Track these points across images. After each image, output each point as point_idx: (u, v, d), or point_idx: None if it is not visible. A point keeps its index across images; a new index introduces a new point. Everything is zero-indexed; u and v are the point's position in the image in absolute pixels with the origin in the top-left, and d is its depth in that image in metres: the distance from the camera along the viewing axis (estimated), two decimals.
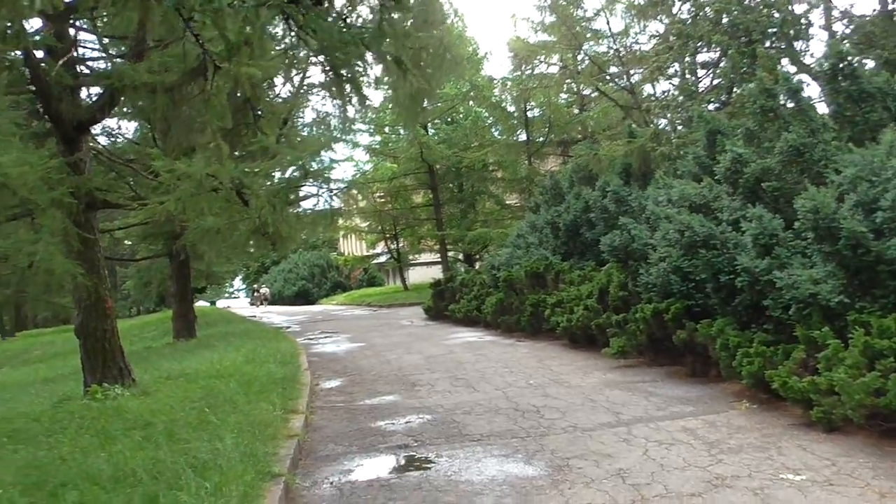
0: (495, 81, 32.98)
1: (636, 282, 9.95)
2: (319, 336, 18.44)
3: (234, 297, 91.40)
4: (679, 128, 18.08)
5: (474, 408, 7.65)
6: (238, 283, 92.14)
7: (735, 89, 17.70)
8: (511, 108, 33.45)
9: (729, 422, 6.36)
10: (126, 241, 21.07)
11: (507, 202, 36.43)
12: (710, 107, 17.91)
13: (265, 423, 6.28)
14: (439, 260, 47.26)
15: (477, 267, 36.91)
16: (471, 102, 35.59)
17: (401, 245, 39.69)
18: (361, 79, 5.69)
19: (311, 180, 23.81)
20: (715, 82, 19.72)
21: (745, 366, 6.96)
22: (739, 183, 8.99)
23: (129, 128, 16.11)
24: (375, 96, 33.21)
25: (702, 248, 8.00)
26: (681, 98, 18.22)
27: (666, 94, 21.47)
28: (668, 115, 18.12)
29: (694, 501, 4.50)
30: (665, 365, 9.38)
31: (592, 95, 34.31)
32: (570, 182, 19.59)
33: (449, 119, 36.22)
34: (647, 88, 24.65)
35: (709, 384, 8.05)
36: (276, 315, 33.67)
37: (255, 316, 33.85)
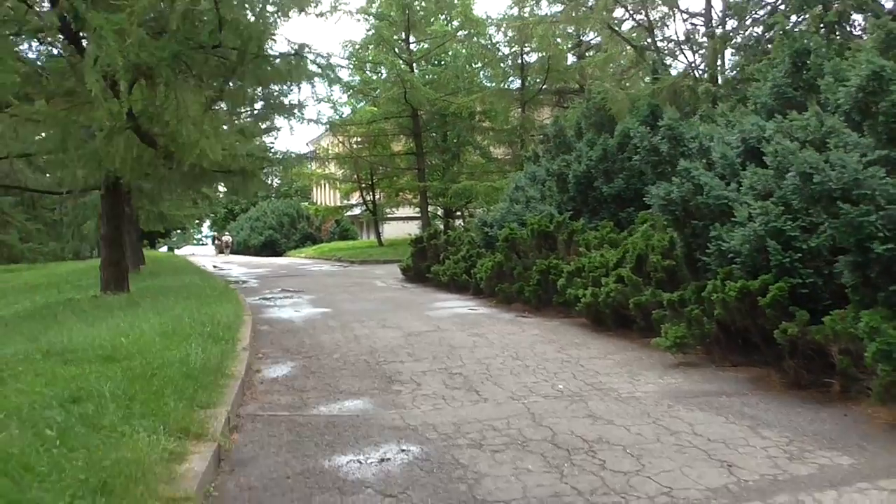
0: (490, 20, 29.82)
1: (704, 249, 7.24)
2: (278, 295, 15.61)
3: (203, 244, 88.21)
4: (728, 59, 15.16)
5: (485, 434, 4.93)
6: (206, 229, 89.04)
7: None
8: (506, 51, 30.39)
9: None
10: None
11: (495, 155, 33.59)
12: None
13: (124, 477, 3.49)
14: (417, 215, 44.35)
15: (458, 224, 34.14)
16: (459, 45, 32.48)
17: (377, 197, 36.71)
18: None
19: (276, 114, 20.80)
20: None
21: None
22: (874, 112, 6.24)
23: None
24: (358, 30, 29.97)
25: (841, 201, 5.27)
26: (729, 26, 15.20)
27: (693, 28, 18.50)
28: (708, 46, 15.18)
29: None
30: (740, 365, 6.74)
31: (592, 42, 31.42)
32: (577, 129, 16.83)
33: (436, 61, 33.05)
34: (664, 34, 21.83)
35: (830, 404, 5.41)
36: (236, 266, 30.70)
37: (213, 266, 30.88)
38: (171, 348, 6.82)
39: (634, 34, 22.18)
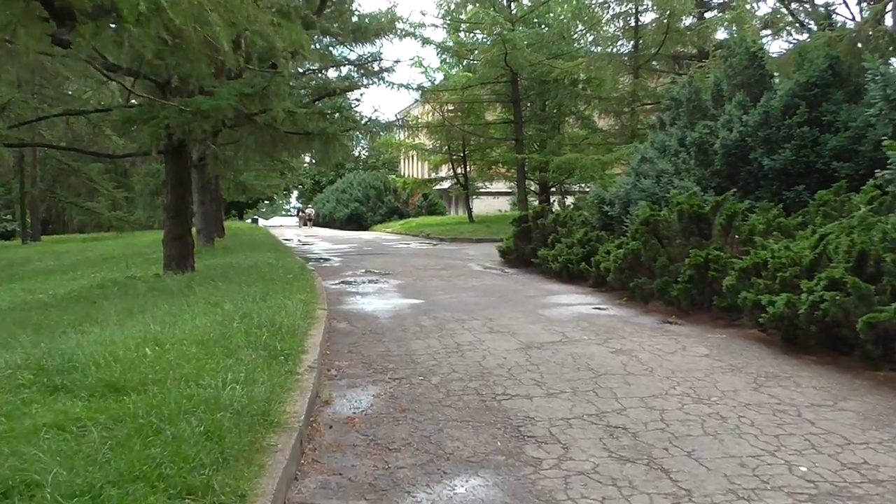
0: None
1: None
2: (362, 278, 13.60)
3: (291, 215, 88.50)
4: None
5: None
6: (294, 201, 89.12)
7: None
8: (616, 9, 27.35)
9: None
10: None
11: (599, 127, 30.70)
12: None
13: None
14: (509, 190, 41.93)
15: (553, 201, 31.52)
16: (563, 4, 29.61)
17: (468, 170, 34.38)
18: None
19: (365, 78, 18.70)
20: None
21: None
22: None
23: None
24: None
25: None
26: None
27: None
28: None
29: None
30: None
31: (715, 2, 28.00)
32: (715, 92, 14.07)
33: (537, 22, 30.27)
34: None
35: None
36: (319, 240, 29.07)
37: (296, 240, 29.38)
38: (206, 371, 4.76)
39: None
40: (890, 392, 5.30)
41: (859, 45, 10.75)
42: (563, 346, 7.04)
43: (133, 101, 12.38)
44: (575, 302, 10.07)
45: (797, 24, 17.65)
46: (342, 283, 12.83)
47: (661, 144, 13.88)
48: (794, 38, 19.41)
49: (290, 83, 17.00)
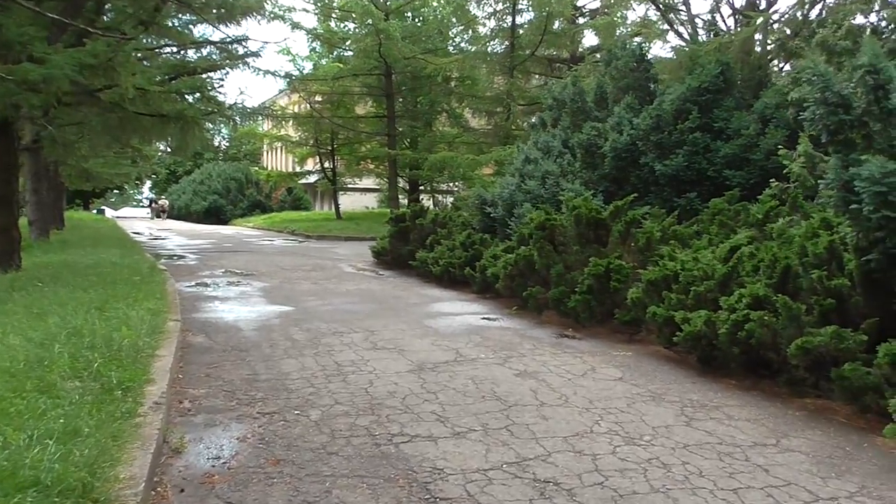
0: None
1: None
2: (221, 279, 12.21)
3: (143, 206, 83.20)
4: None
5: None
6: (147, 191, 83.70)
7: None
8: (490, 9, 27.01)
9: None
10: None
11: (471, 126, 30.32)
12: None
13: None
14: (376, 187, 40.87)
15: (425, 201, 30.76)
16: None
17: (336, 164, 33.05)
18: None
19: (225, 58, 17.09)
20: None
21: None
22: None
23: None
24: None
25: None
26: None
27: None
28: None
29: None
30: None
31: (587, 8, 28.24)
32: (597, 94, 13.77)
33: (411, 16, 29.47)
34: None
35: None
36: (174, 234, 26.88)
37: (148, 233, 27.03)
38: (7, 419, 3.50)
39: None
40: (828, 426, 4.79)
41: (754, 50, 10.57)
42: (459, 366, 6.17)
43: None
44: (462, 311, 9.26)
45: (673, 32, 17.74)
46: (199, 284, 11.40)
47: (544, 145, 13.38)
48: (671, 45, 19.60)
49: (143, 59, 15.22)
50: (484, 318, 8.71)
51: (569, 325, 8.15)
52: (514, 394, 5.33)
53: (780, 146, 8.94)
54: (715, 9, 14.41)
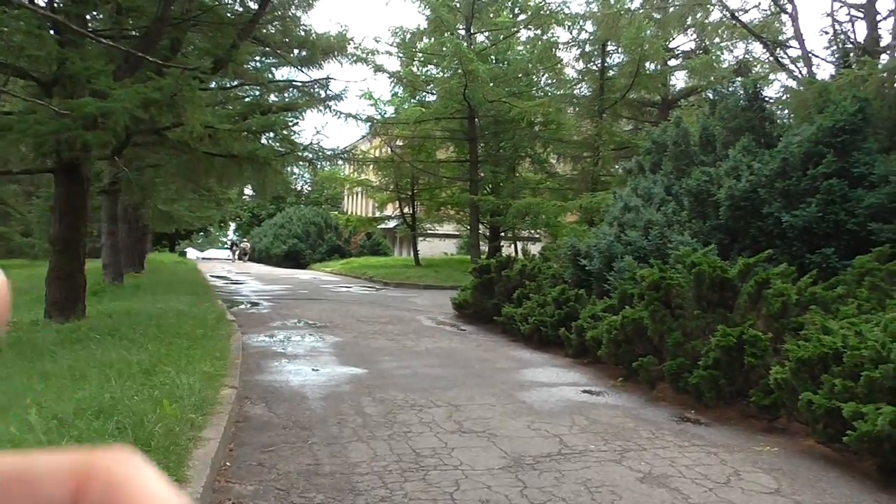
0: (564, 14, 25.49)
1: None
2: (292, 330, 11.37)
3: (227, 248, 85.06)
4: None
5: None
6: (232, 234, 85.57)
7: None
8: (577, 52, 26.04)
9: None
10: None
11: (555, 171, 29.24)
12: None
13: None
14: (455, 233, 39.99)
15: (506, 248, 29.66)
16: (525, 44, 28.29)
17: (416, 210, 32.37)
18: None
19: (303, 99, 16.52)
20: None
21: None
22: None
23: None
24: (408, 14, 25.94)
25: None
26: None
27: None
28: None
29: None
30: None
31: (679, 49, 26.96)
32: (703, 137, 12.51)
33: (495, 59, 28.79)
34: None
35: None
36: (251, 279, 26.54)
37: (226, 275, 26.80)
38: None
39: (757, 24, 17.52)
40: None
41: (894, 86, 9.17)
42: (567, 462, 4.98)
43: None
44: (558, 380, 8.04)
45: (781, 69, 16.32)
46: (266, 338, 10.55)
47: (645, 191, 12.14)
48: (781, 84, 18.15)
49: (224, 102, 14.79)
50: (585, 391, 7.47)
51: (688, 404, 6.83)
52: None
53: None
54: (841, 41, 12.97)
